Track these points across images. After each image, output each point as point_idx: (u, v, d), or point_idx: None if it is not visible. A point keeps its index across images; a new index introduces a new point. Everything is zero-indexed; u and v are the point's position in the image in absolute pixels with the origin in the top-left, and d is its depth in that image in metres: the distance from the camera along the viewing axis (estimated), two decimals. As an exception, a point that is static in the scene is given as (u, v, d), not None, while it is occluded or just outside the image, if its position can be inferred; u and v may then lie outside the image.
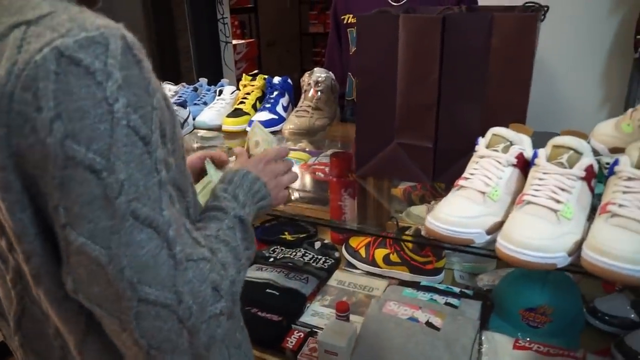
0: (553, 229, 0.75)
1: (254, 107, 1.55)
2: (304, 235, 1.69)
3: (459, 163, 0.98)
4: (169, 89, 1.80)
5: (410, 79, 0.99)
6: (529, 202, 0.78)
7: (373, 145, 1.08)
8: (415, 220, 1.37)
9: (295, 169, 0.99)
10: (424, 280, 1.39)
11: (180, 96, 1.73)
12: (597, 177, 0.83)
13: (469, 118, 0.99)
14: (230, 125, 1.50)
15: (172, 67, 3.34)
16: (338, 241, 1.68)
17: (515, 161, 0.85)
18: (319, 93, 1.44)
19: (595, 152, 0.89)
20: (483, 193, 0.83)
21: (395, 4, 1.66)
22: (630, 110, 0.87)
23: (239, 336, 0.86)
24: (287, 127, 1.39)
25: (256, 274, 1.46)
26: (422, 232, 0.91)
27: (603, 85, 2.05)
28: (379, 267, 1.47)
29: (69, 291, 0.57)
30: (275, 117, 1.48)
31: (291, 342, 1.21)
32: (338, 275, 1.48)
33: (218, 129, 1.54)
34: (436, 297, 1.25)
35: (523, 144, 0.89)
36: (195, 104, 1.69)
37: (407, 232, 1.23)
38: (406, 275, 1.44)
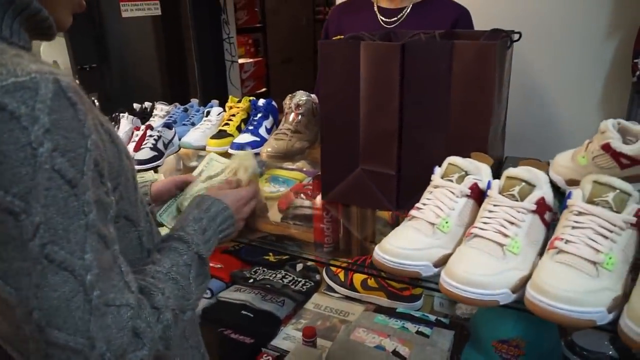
0: (497, 264, 0.73)
1: (239, 128, 1.56)
2: (287, 257, 1.68)
3: (422, 191, 0.96)
4: (161, 109, 1.83)
5: (371, 105, 0.99)
6: (476, 236, 0.76)
7: (338, 170, 1.08)
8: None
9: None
10: (402, 307, 1.36)
11: (170, 116, 1.76)
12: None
13: (432, 146, 0.98)
14: (214, 146, 1.51)
15: (180, 85, 3.41)
16: (323, 261, 1.67)
17: (469, 192, 0.84)
18: (300, 116, 1.44)
19: (554, 184, 0.86)
20: (433, 224, 0.81)
21: (387, 26, 1.66)
22: (586, 141, 0.84)
23: None
24: (265, 149, 1.39)
25: (234, 295, 1.46)
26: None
27: (602, 109, 2.01)
28: (357, 291, 1.46)
29: None
30: (257, 139, 1.49)
31: (259, 366, 1.20)
32: (317, 298, 1.47)
33: (203, 149, 1.56)
34: (408, 325, 1.23)
35: (481, 174, 0.87)
36: (184, 124, 1.71)
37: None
38: (384, 301, 1.41)
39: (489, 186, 0.82)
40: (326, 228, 1.32)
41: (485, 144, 0.94)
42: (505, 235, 0.75)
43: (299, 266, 1.61)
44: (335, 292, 1.49)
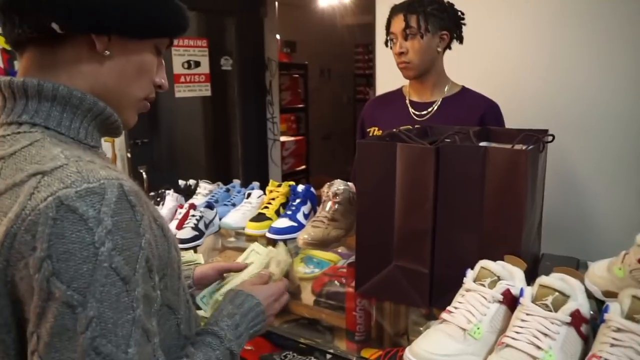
0: (530, 378, 0.72)
1: (277, 212, 1.62)
2: (319, 340, 1.67)
3: (456, 290, 0.97)
4: (205, 187, 1.92)
5: (406, 204, 1.02)
6: (507, 345, 0.76)
7: (372, 265, 1.09)
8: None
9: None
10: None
11: (213, 195, 1.84)
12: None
13: (465, 246, 0.99)
14: (253, 229, 1.57)
15: (223, 161, 3.56)
16: (353, 349, 1.64)
17: (501, 298, 0.84)
18: (337, 205, 1.48)
19: (590, 295, 0.85)
20: (464, 330, 0.81)
21: (418, 119, 1.72)
22: (623, 252, 0.84)
23: None
24: (302, 236, 1.43)
25: (262, 381, 1.44)
26: None
27: (644, 204, 1.98)
28: (387, 385, 1.42)
29: None
30: (295, 224, 1.53)
31: None
32: (346, 389, 1.43)
33: (242, 230, 1.61)
34: None
35: (514, 278, 0.87)
36: (225, 204, 1.78)
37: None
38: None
39: (521, 293, 0.82)
40: (358, 316, 1.32)
41: (519, 248, 0.94)
42: (539, 348, 0.74)
43: (328, 355, 1.58)
44: (364, 383, 1.45)
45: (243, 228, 1.60)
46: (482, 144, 1.19)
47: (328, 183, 1.54)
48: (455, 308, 0.85)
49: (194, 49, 3.19)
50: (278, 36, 4.14)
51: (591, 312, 0.80)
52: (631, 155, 1.98)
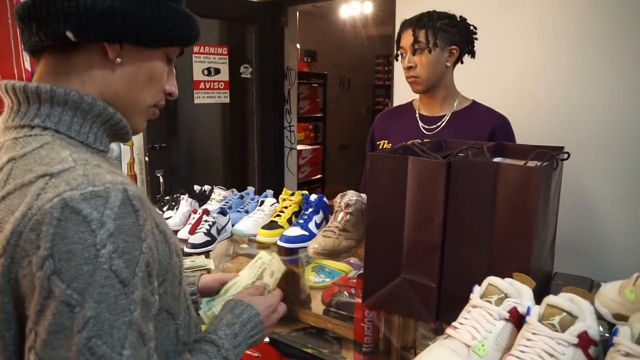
0: (534, 399, 0.71)
1: (289, 221, 1.62)
2: (326, 350, 1.66)
3: (464, 305, 0.96)
4: (219, 193, 1.94)
5: (416, 218, 1.02)
6: (512, 364, 0.75)
7: (380, 277, 1.09)
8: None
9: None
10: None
11: (227, 202, 1.85)
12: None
13: (474, 262, 0.99)
14: (264, 236, 1.58)
15: (240, 167, 3.59)
16: (360, 362, 1.64)
17: (507, 315, 0.83)
18: (349, 215, 1.48)
19: (600, 317, 0.84)
20: (468, 346, 0.80)
21: (427, 133, 1.72)
22: (635, 274, 0.83)
23: None
24: (312, 246, 1.44)
25: (268, 389, 1.44)
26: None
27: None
28: (393, 399, 1.41)
29: None
30: (306, 233, 1.54)
31: None
32: (351, 401, 1.43)
33: (253, 237, 1.62)
34: None
35: (522, 296, 0.86)
36: (238, 210, 1.79)
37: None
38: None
39: (528, 312, 0.81)
40: (366, 328, 1.32)
41: (528, 266, 0.93)
42: (544, 368, 0.73)
43: (336, 364, 1.58)
44: (370, 395, 1.45)
45: (255, 235, 1.61)
46: (496, 159, 1.19)
47: (341, 193, 1.55)
48: (461, 324, 0.84)
49: (214, 56, 3.23)
50: (298, 45, 4.17)
51: (602, 335, 0.79)
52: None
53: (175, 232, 1.75)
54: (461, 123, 1.69)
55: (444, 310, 1.03)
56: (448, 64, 1.68)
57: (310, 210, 1.60)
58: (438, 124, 1.72)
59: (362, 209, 1.51)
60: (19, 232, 0.61)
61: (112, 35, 0.73)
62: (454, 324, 0.86)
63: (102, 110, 0.74)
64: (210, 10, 3.08)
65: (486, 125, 1.65)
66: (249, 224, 1.66)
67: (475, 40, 1.72)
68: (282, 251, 1.57)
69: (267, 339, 1.73)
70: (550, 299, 0.80)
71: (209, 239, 1.58)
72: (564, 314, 0.78)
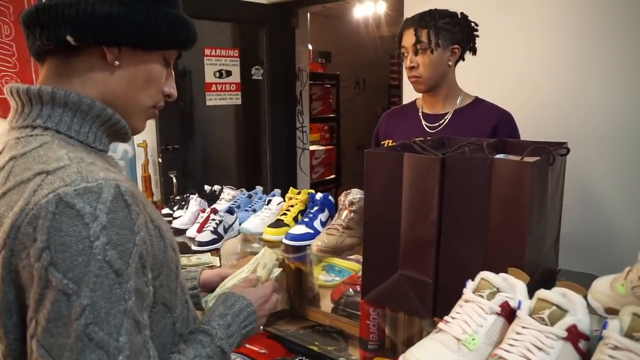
0: (521, 391, 0.71)
1: (295, 219, 1.64)
2: (333, 347, 1.68)
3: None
4: (228, 192, 1.97)
5: (412, 214, 1.02)
6: (500, 357, 0.75)
7: (378, 273, 1.10)
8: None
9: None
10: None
11: (235, 201, 1.88)
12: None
13: (470, 257, 0.99)
14: (270, 234, 1.60)
15: (252, 168, 3.62)
16: (367, 358, 1.64)
17: (499, 310, 0.83)
18: (353, 213, 1.49)
19: (593, 311, 0.84)
20: (459, 340, 0.81)
21: (430, 131, 1.72)
22: (627, 268, 0.82)
23: None
24: (316, 243, 1.45)
25: (273, 384, 1.46)
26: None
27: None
28: (397, 395, 1.41)
29: None
30: (311, 231, 1.55)
31: None
32: (356, 397, 1.44)
33: (260, 235, 1.65)
34: None
35: (515, 291, 0.87)
36: (246, 209, 1.82)
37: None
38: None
39: (519, 306, 0.82)
40: (372, 325, 1.33)
41: (522, 261, 0.94)
42: (531, 361, 0.73)
43: (342, 360, 1.59)
44: (374, 392, 1.46)
45: (261, 233, 1.64)
46: (498, 156, 1.19)
47: (345, 192, 1.56)
48: (453, 318, 0.85)
49: (225, 58, 3.27)
50: (310, 47, 4.19)
51: (597, 330, 0.79)
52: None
53: (184, 230, 1.79)
54: (464, 120, 1.69)
55: (441, 305, 1.04)
56: (450, 63, 1.68)
57: (315, 208, 1.61)
58: (440, 122, 1.72)
59: (365, 206, 1.52)
60: (18, 226, 0.64)
61: (110, 39, 0.76)
62: (446, 318, 0.86)
63: (100, 111, 0.77)
64: (222, 13, 3.13)
65: (489, 121, 1.65)
66: (256, 222, 1.68)
67: (476, 38, 1.72)
68: (288, 249, 1.59)
69: (273, 336, 1.75)
70: (541, 293, 0.81)
71: (215, 237, 1.61)
72: (554, 307, 0.78)
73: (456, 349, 0.81)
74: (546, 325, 0.77)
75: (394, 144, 1.80)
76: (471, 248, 0.99)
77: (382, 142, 1.84)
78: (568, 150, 1.13)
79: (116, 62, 0.77)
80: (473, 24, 1.71)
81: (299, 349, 1.68)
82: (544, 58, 2.17)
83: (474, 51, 1.72)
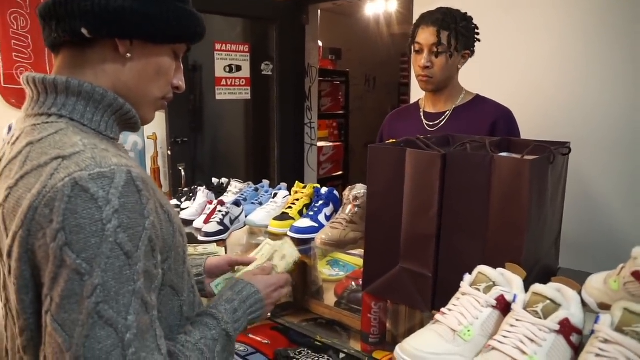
0: (511, 380, 0.73)
1: (300, 212, 1.67)
2: (335, 340, 1.70)
3: (458, 295, 0.99)
4: (235, 185, 2.00)
5: (413, 209, 1.05)
6: (493, 348, 0.78)
7: (380, 265, 1.13)
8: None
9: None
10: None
11: (242, 194, 1.91)
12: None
13: (469, 252, 1.01)
14: (275, 227, 1.62)
15: (260, 163, 3.66)
16: (367, 351, 1.67)
17: (495, 303, 0.85)
18: (357, 208, 1.51)
19: (586, 306, 0.86)
20: (454, 331, 0.83)
21: (430, 129, 1.74)
22: (620, 265, 0.84)
23: None
24: (320, 236, 1.48)
25: (275, 374, 1.49)
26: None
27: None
28: (396, 387, 1.44)
29: None
30: (316, 225, 1.58)
31: None
32: (355, 388, 1.46)
33: (265, 228, 1.67)
34: None
35: (511, 285, 0.89)
36: (252, 202, 1.85)
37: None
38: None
39: (514, 300, 0.84)
40: (373, 319, 1.35)
41: (519, 257, 0.95)
42: (524, 353, 0.75)
43: (342, 355, 1.61)
44: (374, 384, 1.48)
45: (266, 226, 1.66)
46: (501, 154, 1.20)
47: (350, 187, 1.58)
48: (449, 310, 0.87)
49: (236, 53, 3.30)
50: (320, 43, 4.21)
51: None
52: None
53: (191, 221, 1.82)
54: (463, 117, 1.70)
55: (440, 299, 1.06)
56: (460, 66, 1.70)
57: (320, 202, 1.64)
58: (440, 120, 1.74)
59: (369, 201, 1.54)
60: (35, 207, 0.67)
61: (123, 32, 0.79)
62: (442, 310, 0.89)
63: (112, 100, 0.80)
64: (233, 9, 3.15)
65: (487, 118, 1.66)
66: (262, 215, 1.71)
67: (478, 42, 1.73)
68: (293, 242, 1.61)
69: (276, 327, 1.78)
70: (536, 287, 0.83)
71: (221, 228, 1.64)
72: (548, 301, 0.80)
73: (452, 340, 0.83)
74: (540, 318, 0.79)
75: None
76: (470, 243, 1.01)
77: (386, 142, 1.86)
78: (570, 150, 1.14)
79: (128, 54, 0.80)
80: (475, 27, 1.72)
81: (301, 341, 1.71)
82: (547, 58, 2.18)
83: (472, 53, 1.74)
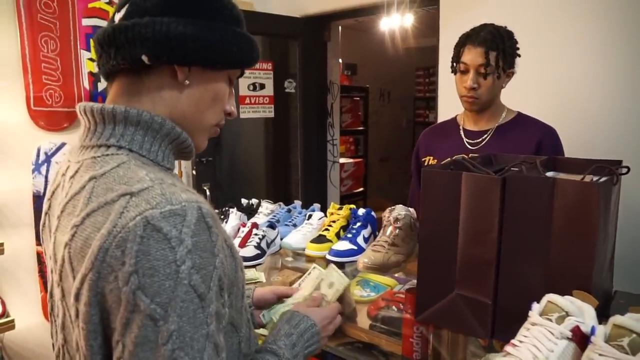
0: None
1: (337, 235, 1.64)
2: (374, 366, 1.66)
3: (520, 323, 0.95)
4: (266, 207, 1.97)
5: (470, 233, 1.01)
6: (577, 385, 0.74)
7: (434, 292, 1.09)
8: (490, 371, 1.30)
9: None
10: None
11: (274, 215, 1.88)
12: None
13: (531, 279, 0.97)
14: (313, 250, 1.59)
15: (283, 181, 3.64)
16: (409, 378, 1.62)
17: (570, 335, 0.81)
18: (398, 230, 1.48)
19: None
20: (530, 365, 0.79)
21: (472, 147, 1.71)
22: None
23: None
24: (362, 260, 1.44)
25: (318, 402, 1.45)
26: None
27: None
28: (444, 416, 1.39)
29: None
30: (355, 247, 1.55)
31: None
32: (401, 417, 1.41)
33: (302, 251, 1.64)
34: None
35: (584, 315, 0.85)
36: (286, 224, 1.82)
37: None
38: None
39: (593, 332, 0.80)
40: (415, 343, 1.31)
41: (589, 283, 0.91)
42: (610, 391, 0.71)
43: (385, 379, 1.57)
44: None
45: (303, 249, 1.63)
46: (548, 174, 1.17)
47: (389, 208, 1.55)
48: (520, 342, 0.83)
49: (259, 71, 3.30)
50: (340, 60, 4.21)
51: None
52: None
53: (226, 245, 1.79)
54: (506, 136, 1.67)
55: (500, 327, 1.02)
56: (504, 85, 1.67)
57: (358, 224, 1.61)
58: (483, 138, 1.70)
59: (411, 223, 1.51)
60: (106, 248, 0.65)
61: (184, 59, 0.77)
62: (513, 341, 0.85)
63: (170, 129, 0.78)
64: (256, 27, 3.14)
65: (532, 137, 1.62)
66: (298, 237, 1.68)
67: (518, 57, 1.70)
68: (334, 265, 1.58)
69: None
70: (617, 319, 0.78)
71: (259, 252, 1.61)
72: (634, 335, 0.76)
73: (528, 375, 0.79)
74: (627, 354, 0.74)
75: (435, 161, 1.78)
76: (532, 269, 0.97)
77: (423, 160, 1.83)
78: (628, 169, 1.11)
79: (186, 81, 0.79)
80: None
81: (341, 366, 1.67)
82: (587, 73, 2.14)
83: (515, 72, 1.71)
